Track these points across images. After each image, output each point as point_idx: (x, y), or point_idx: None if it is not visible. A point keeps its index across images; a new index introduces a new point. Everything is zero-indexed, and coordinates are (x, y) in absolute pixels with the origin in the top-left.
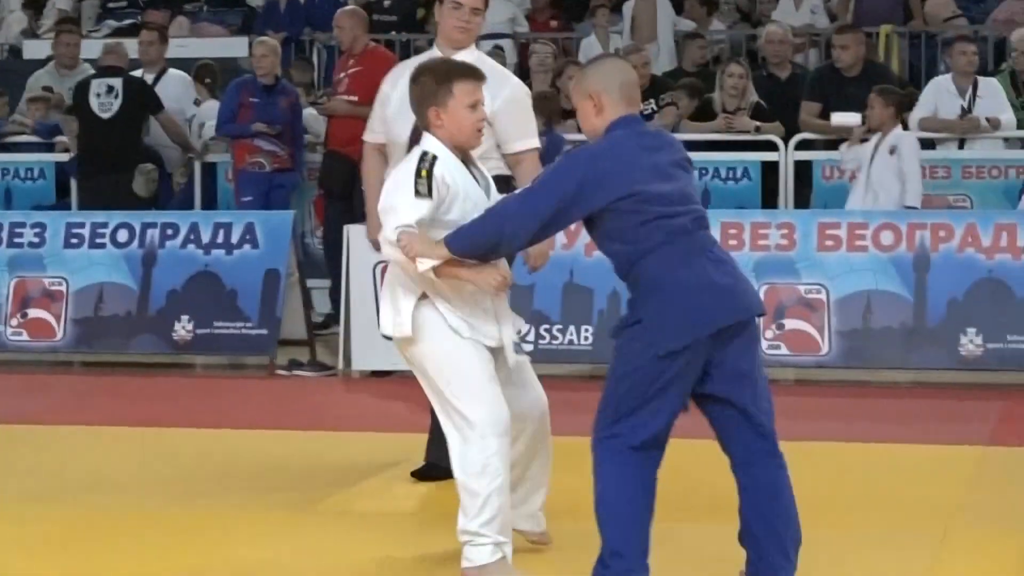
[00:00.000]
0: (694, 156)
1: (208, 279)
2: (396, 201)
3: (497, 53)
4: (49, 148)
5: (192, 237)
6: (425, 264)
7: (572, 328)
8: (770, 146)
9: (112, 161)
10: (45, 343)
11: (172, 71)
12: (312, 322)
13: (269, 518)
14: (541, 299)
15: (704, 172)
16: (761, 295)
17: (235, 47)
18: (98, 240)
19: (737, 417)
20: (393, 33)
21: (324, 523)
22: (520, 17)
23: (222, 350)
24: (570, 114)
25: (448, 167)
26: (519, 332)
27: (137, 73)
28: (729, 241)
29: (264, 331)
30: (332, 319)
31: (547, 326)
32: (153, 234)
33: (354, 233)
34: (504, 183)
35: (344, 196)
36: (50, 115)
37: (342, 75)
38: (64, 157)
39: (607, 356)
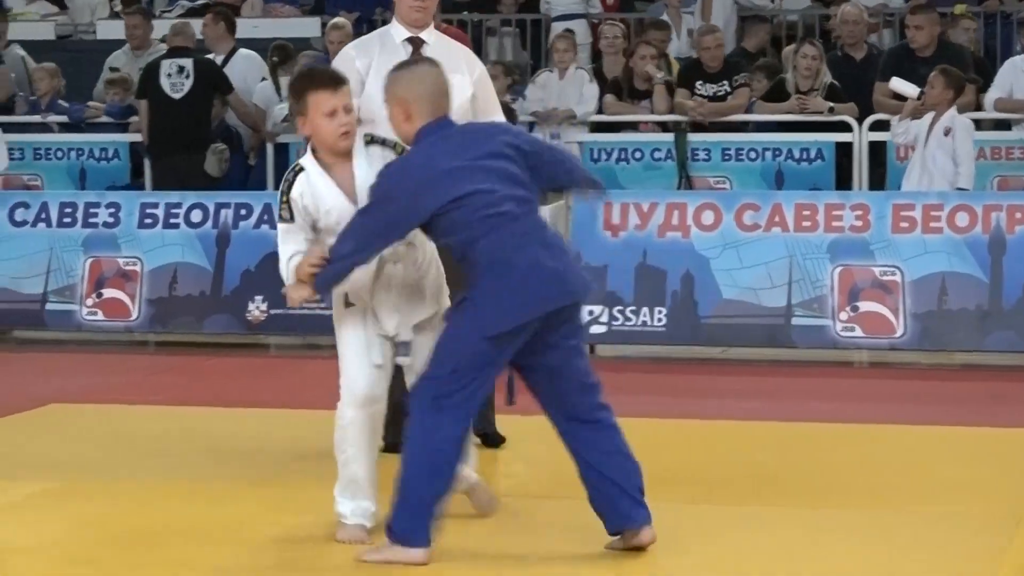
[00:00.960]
0: (767, 137)
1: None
2: (278, 233)
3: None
4: (123, 128)
5: (266, 217)
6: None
7: (645, 310)
8: (844, 127)
9: (184, 141)
10: (120, 323)
11: (242, 51)
12: None
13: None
14: (614, 280)
15: (778, 153)
16: (835, 277)
17: (307, 27)
18: (172, 220)
19: (566, 385)
20: (465, 13)
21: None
22: None
23: (295, 330)
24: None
25: (310, 182)
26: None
27: (209, 54)
28: (803, 223)
29: None
30: None
31: (620, 307)
32: (227, 214)
33: None
34: None
35: None
36: (128, 96)
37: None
38: (138, 137)
39: (681, 338)
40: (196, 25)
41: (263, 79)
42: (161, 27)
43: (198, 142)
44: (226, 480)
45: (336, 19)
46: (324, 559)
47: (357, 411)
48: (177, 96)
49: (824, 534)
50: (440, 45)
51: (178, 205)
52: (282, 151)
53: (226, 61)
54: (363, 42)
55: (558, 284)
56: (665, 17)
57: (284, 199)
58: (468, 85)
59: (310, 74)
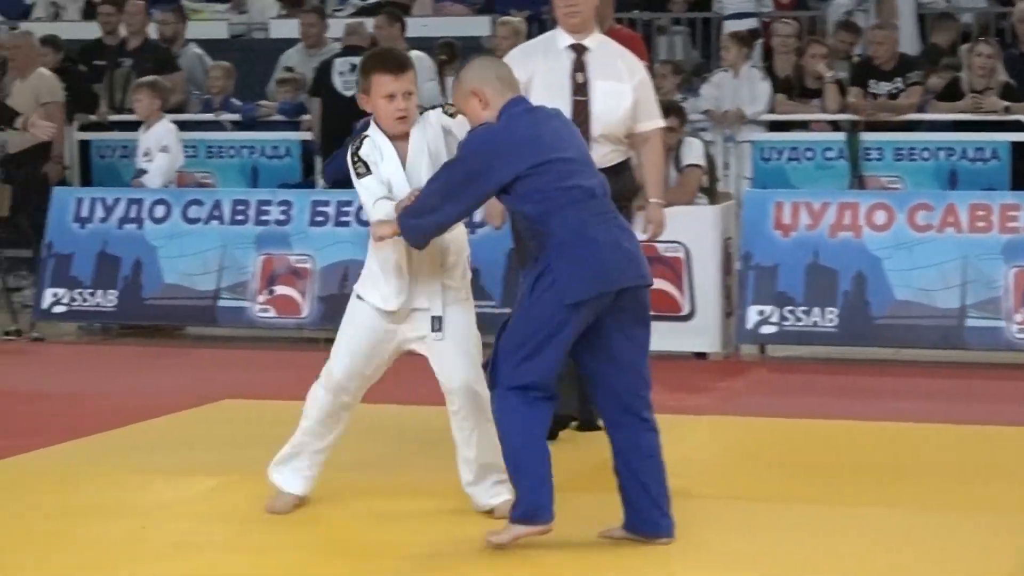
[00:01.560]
0: (941, 136)
1: None
2: (357, 189)
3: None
4: (295, 126)
5: None
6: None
7: (816, 310)
8: (1020, 126)
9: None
10: (291, 320)
11: (412, 52)
12: None
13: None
14: (785, 280)
15: (951, 153)
16: (1010, 278)
17: (477, 26)
18: (343, 218)
19: (628, 377)
20: (636, 12)
21: (558, 506)
22: None
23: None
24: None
25: (375, 146)
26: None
27: None
28: (977, 223)
29: (507, 310)
30: None
31: (791, 307)
32: None
33: None
34: (613, 172)
35: None
36: (299, 95)
37: None
38: (309, 135)
39: (852, 338)
40: (369, 24)
41: (430, 80)
42: (333, 26)
43: None
44: (401, 476)
45: (506, 18)
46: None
47: (327, 394)
48: (349, 94)
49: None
50: (602, 52)
51: (349, 203)
52: None
53: None
54: (527, 49)
55: (634, 264)
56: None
57: (356, 158)
58: (629, 92)
59: (378, 55)
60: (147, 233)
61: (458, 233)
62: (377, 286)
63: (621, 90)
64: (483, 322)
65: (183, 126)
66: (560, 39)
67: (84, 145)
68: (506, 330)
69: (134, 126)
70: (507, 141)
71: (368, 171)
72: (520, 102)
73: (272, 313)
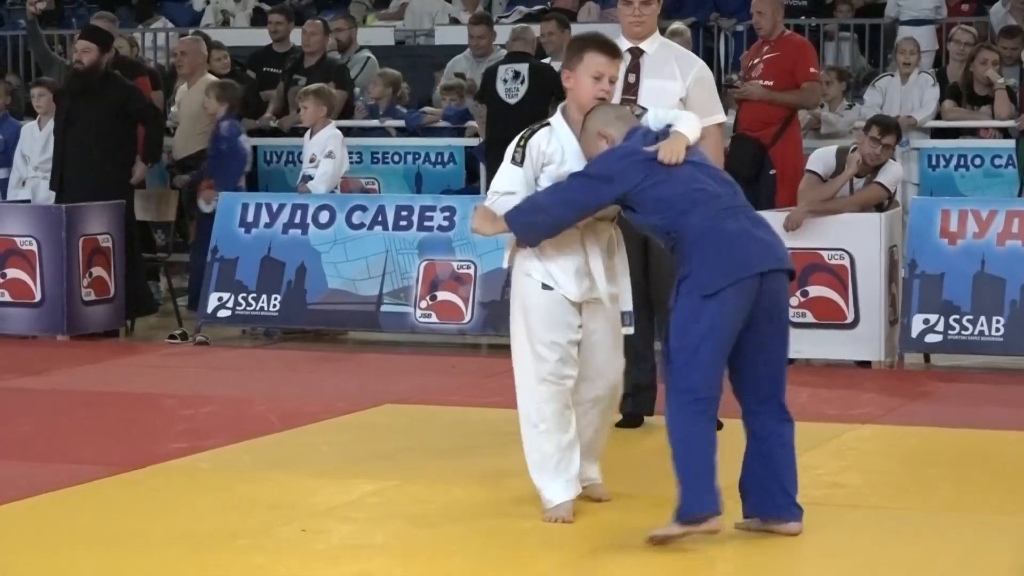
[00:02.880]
0: None
1: None
2: (500, 169)
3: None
4: (459, 133)
5: None
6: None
7: (983, 319)
8: None
9: None
10: (453, 325)
11: None
12: None
13: (668, 506)
14: (951, 289)
15: None
16: None
17: None
18: None
19: (762, 365)
20: (803, 18)
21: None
22: (942, 4)
23: None
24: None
25: (555, 135)
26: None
27: (546, 59)
28: None
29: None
30: None
31: (956, 316)
32: None
33: None
34: None
35: (751, 180)
36: (464, 102)
37: (756, 60)
38: (474, 142)
39: (1020, 348)
40: (535, 29)
41: None
42: (499, 32)
43: None
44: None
45: (676, 25)
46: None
47: (547, 387)
48: (512, 101)
49: None
50: (658, 54)
51: None
52: None
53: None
54: None
55: (768, 249)
56: (1012, 20)
57: (522, 143)
58: (678, 90)
59: (594, 36)
60: (311, 238)
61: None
62: (554, 275)
63: (669, 88)
64: None
65: (348, 132)
66: (620, 44)
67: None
68: (669, 338)
69: (300, 132)
70: (631, 154)
71: (522, 162)
72: (636, 132)
73: (434, 318)
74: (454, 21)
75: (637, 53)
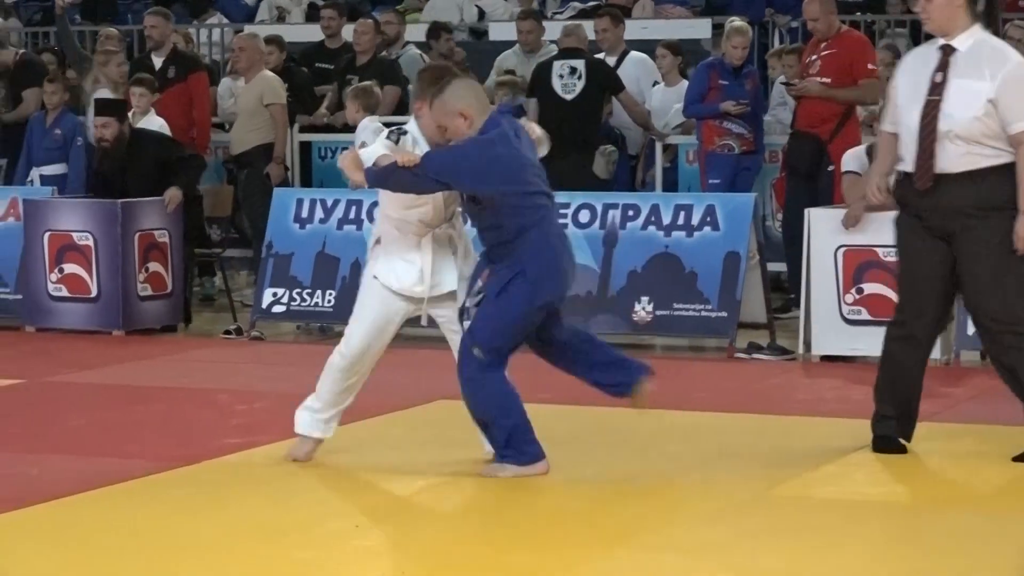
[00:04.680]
0: None
1: (668, 261)
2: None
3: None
4: None
5: (653, 219)
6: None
7: None
8: None
9: (573, 142)
10: None
11: (633, 54)
12: (772, 306)
13: (722, 500)
14: None
15: None
16: None
17: (698, 28)
18: (560, 221)
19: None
20: (858, 14)
21: (778, 508)
22: None
23: (681, 332)
24: None
25: (415, 141)
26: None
27: (599, 55)
28: None
29: (724, 314)
30: (792, 303)
31: None
32: (614, 215)
33: (815, 216)
34: (966, 177)
35: (809, 177)
36: (516, 97)
37: (814, 57)
38: None
39: None
40: (585, 26)
41: (655, 83)
42: (551, 28)
43: (587, 143)
44: (614, 478)
45: (737, 22)
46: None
47: (343, 361)
48: (569, 97)
49: None
50: (972, 52)
51: (566, 205)
52: (672, 151)
53: (618, 63)
54: (915, 51)
55: (575, 270)
56: None
57: (396, 131)
58: (986, 91)
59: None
60: (366, 234)
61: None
62: (395, 270)
63: (976, 89)
64: (698, 325)
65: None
66: (936, 41)
67: (305, 146)
68: (483, 322)
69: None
70: (507, 156)
71: (397, 142)
72: (502, 118)
73: None
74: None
75: (948, 51)
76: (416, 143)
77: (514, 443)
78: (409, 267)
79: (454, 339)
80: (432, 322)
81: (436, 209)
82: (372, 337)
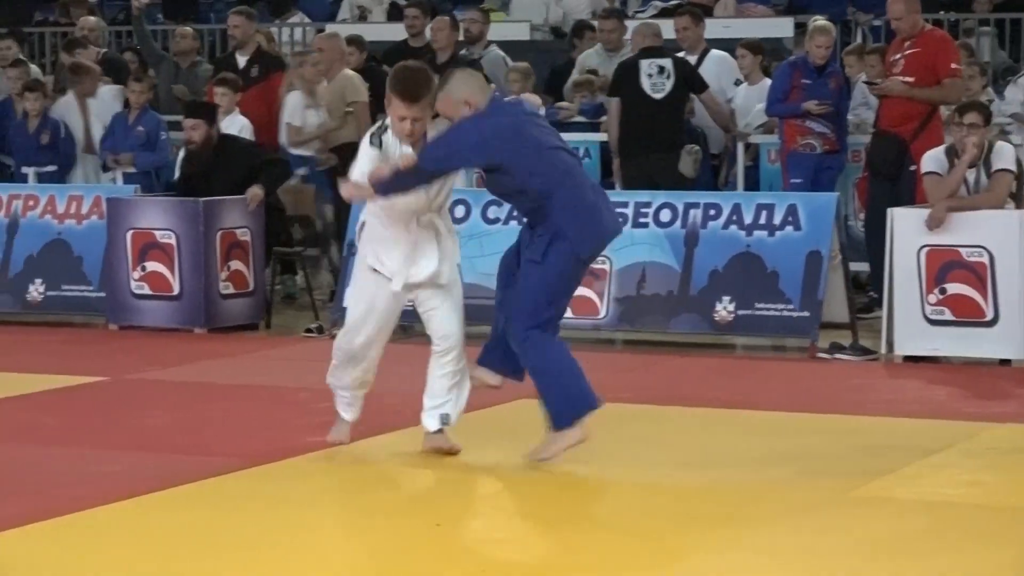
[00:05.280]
0: None
1: (749, 260)
2: (361, 155)
3: None
4: (594, 128)
5: (735, 218)
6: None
7: None
8: None
9: (659, 141)
10: (588, 320)
11: (714, 52)
12: (855, 305)
13: (799, 501)
14: None
15: None
16: None
17: (780, 27)
18: (641, 220)
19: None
20: (941, 13)
21: (859, 509)
22: None
23: (763, 331)
24: None
25: (395, 142)
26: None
27: (680, 54)
28: None
29: (806, 313)
30: (875, 303)
31: None
32: (696, 214)
33: (898, 216)
34: None
35: (891, 177)
36: (595, 97)
37: (897, 56)
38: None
39: None
40: (663, 25)
41: (738, 82)
42: (632, 27)
43: (674, 142)
44: (693, 478)
45: (820, 21)
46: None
47: (343, 339)
48: (658, 96)
49: None
50: None
51: (647, 204)
52: (753, 151)
53: (699, 62)
54: None
55: (616, 219)
56: None
57: (377, 135)
58: None
59: (401, 79)
60: None
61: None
62: (378, 254)
63: None
64: (780, 325)
65: None
66: None
67: None
68: (528, 289)
69: None
70: (511, 125)
71: (380, 145)
72: (499, 100)
73: (569, 314)
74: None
75: None
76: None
77: (572, 398)
78: (392, 251)
79: (429, 316)
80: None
81: (420, 198)
82: (365, 315)
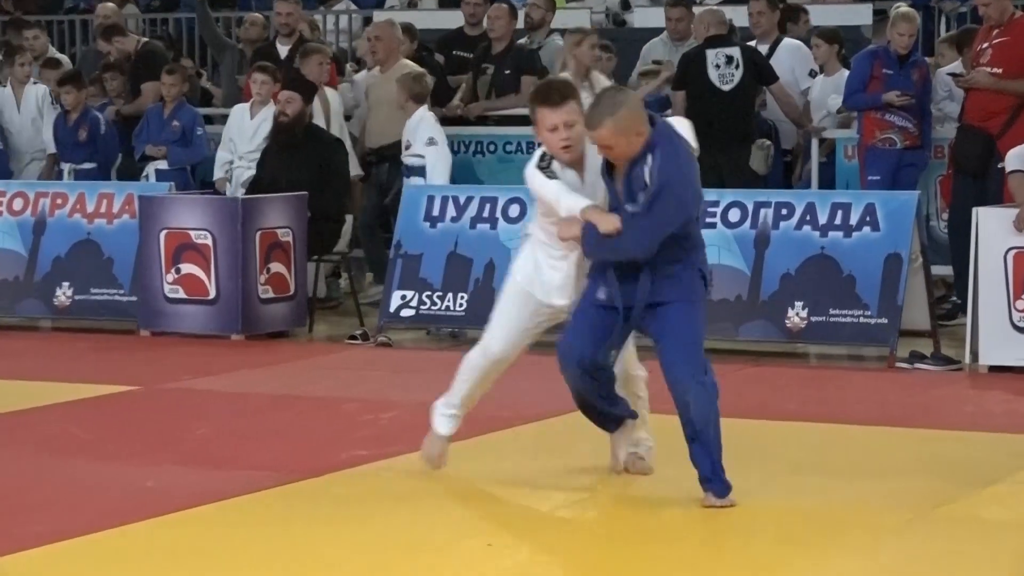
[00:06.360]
0: None
1: (824, 263)
2: (543, 191)
3: None
4: None
5: (808, 218)
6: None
7: None
8: None
9: (729, 135)
10: None
11: (787, 40)
12: (937, 312)
13: (881, 521)
14: None
15: None
16: None
17: (859, 15)
18: (708, 220)
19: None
20: None
21: (942, 529)
22: None
23: (838, 339)
24: None
25: (559, 167)
26: None
27: (750, 43)
28: None
29: (884, 320)
30: (959, 309)
31: None
32: (767, 214)
33: (984, 216)
34: None
35: (978, 174)
36: (662, 88)
37: (984, 45)
38: None
39: None
40: (731, 12)
41: (813, 72)
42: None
43: (744, 137)
44: (766, 493)
45: (903, 8)
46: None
47: (485, 362)
48: (727, 88)
49: None
50: None
51: (715, 203)
52: (829, 146)
53: (771, 51)
54: None
55: None
56: None
57: (546, 168)
58: None
59: (539, 89)
60: (500, 233)
61: None
62: (539, 277)
63: None
64: (856, 333)
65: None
66: None
67: None
68: (688, 326)
69: (488, 121)
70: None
71: (555, 177)
72: (660, 126)
73: None
74: (654, 2)
75: None
76: (559, 166)
77: (717, 467)
78: (553, 275)
79: None
80: None
81: None
82: (515, 339)
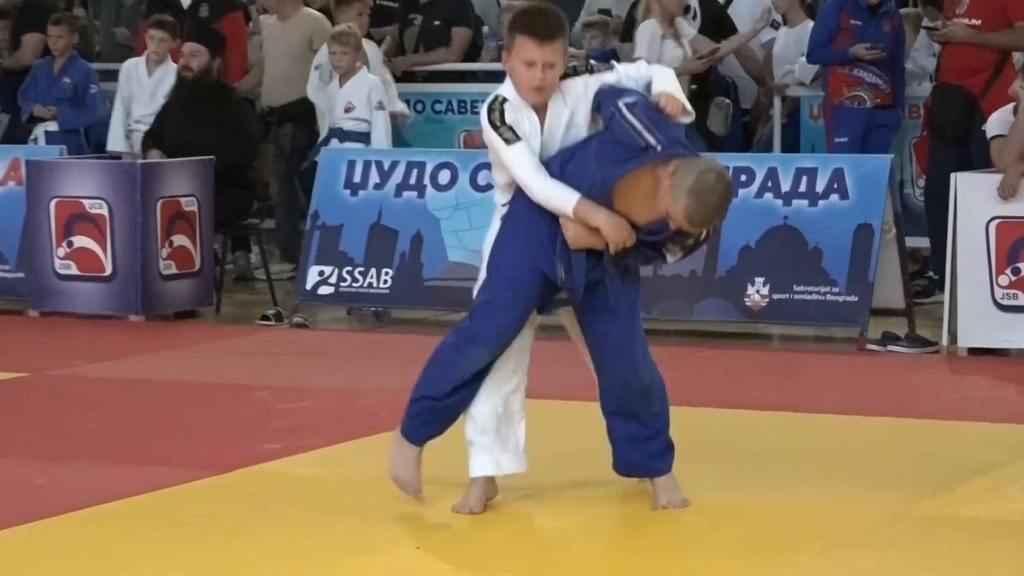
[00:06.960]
0: None
1: (787, 235)
2: (507, 154)
3: None
4: None
5: (769, 184)
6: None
7: None
8: None
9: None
10: None
11: None
12: (912, 288)
13: (852, 520)
14: None
15: None
16: None
17: None
18: None
19: None
20: None
21: (919, 529)
22: None
23: (803, 319)
24: None
25: (517, 111)
26: None
27: None
28: None
29: (853, 298)
30: (936, 285)
31: None
32: None
33: (964, 183)
34: None
35: (957, 138)
36: (608, 40)
37: None
38: None
39: None
40: None
41: (775, 24)
42: None
43: (701, 95)
44: (721, 488)
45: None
46: None
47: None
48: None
49: None
50: None
51: None
52: (791, 104)
53: (729, 0)
54: None
55: None
56: None
57: (500, 124)
58: None
59: (527, 13)
60: (429, 202)
61: None
62: None
63: None
64: (823, 311)
65: (473, 77)
66: None
67: None
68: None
69: (415, 77)
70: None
71: (517, 137)
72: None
73: None
74: None
75: None
76: (516, 109)
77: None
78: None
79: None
80: None
81: None
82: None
